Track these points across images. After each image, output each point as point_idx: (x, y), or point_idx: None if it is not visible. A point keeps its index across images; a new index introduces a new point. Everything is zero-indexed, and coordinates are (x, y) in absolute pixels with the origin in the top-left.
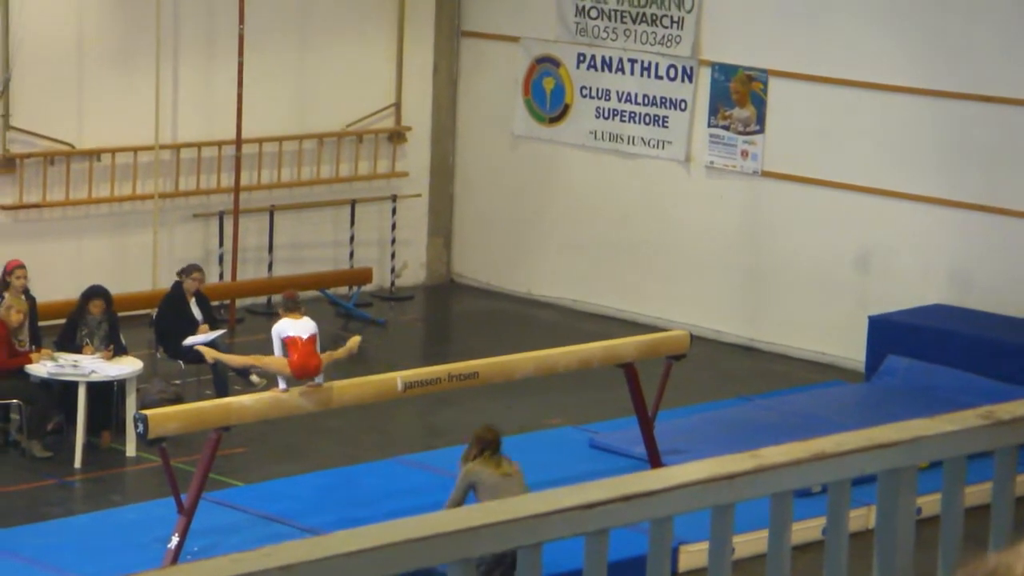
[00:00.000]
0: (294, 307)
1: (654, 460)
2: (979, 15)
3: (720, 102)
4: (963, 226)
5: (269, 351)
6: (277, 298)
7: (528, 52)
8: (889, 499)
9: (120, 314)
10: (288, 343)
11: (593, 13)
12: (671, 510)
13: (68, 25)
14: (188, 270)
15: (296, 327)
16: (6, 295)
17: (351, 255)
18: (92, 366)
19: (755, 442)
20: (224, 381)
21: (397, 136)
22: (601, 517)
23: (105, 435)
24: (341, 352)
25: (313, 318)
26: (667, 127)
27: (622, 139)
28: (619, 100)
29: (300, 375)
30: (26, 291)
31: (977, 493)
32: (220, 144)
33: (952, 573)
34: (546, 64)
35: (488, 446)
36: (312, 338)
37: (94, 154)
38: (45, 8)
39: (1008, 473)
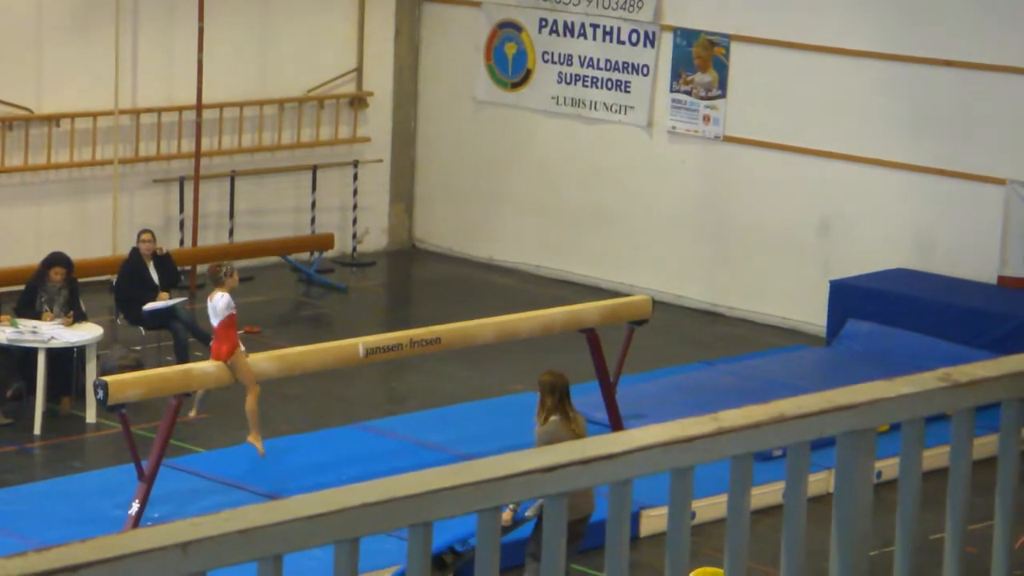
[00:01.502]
0: (212, 282)
1: (616, 425)
2: None
3: (682, 67)
4: (925, 190)
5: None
6: (236, 265)
7: (490, 17)
8: (848, 462)
9: (80, 280)
10: None
11: None
12: (630, 473)
13: None
14: (139, 234)
15: (209, 309)
16: None
17: (312, 221)
18: (52, 332)
19: (717, 407)
20: (185, 347)
21: (359, 101)
22: (560, 480)
23: (65, 401)
24: (243, 372)
25: (275, 284)
26: (629, 92)
27: (584, 104)
28: (581, 65)
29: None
30: None
31: (936, 456)
32: (180, 109)
33: None
34: (508, 29)
35: (564, 395)
36: (220, 324)
37: (53, 119)
38: None
39: (966, 436)
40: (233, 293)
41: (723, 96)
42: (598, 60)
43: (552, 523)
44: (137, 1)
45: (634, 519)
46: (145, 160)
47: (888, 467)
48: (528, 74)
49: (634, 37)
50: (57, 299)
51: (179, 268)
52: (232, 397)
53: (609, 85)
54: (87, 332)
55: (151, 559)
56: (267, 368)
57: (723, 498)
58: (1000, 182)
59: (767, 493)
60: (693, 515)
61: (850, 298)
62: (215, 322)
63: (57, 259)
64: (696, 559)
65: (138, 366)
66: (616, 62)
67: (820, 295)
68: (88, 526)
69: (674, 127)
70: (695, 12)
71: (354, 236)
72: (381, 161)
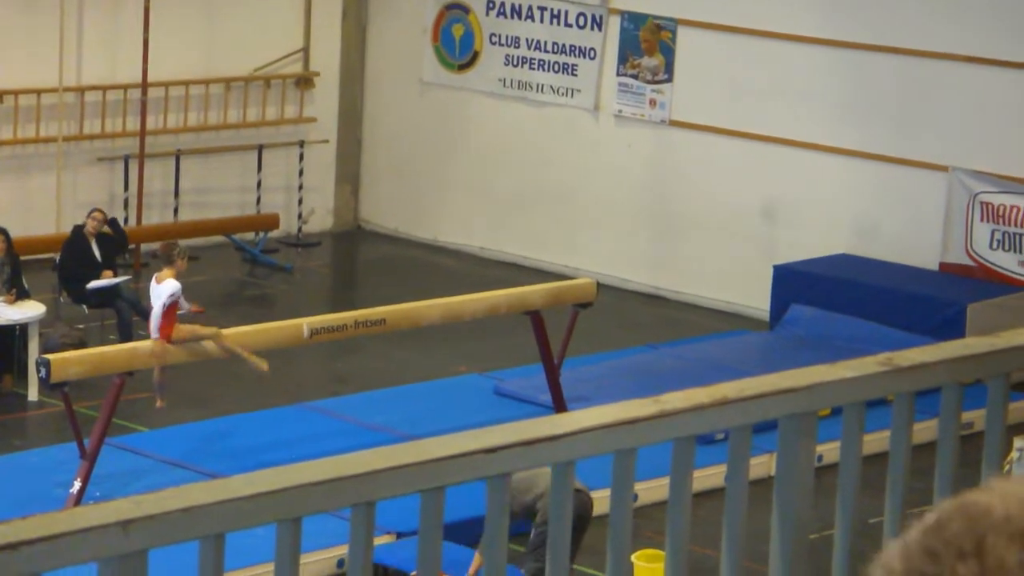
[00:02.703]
0: (164, 260)
1: (559, 407)
2: None
3: (629, 51)
4: (869, 177)
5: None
6: (182, 244)
7: None
8: (789, 445)
9: (23, 258)
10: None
11: None
12: (573, 454)
13: None
14: (90, 211)
15: (153, 294)
16: None
17: (258, 201)
18: None
19: (660, 390)
20: (128, 326)
21: (305, 81)
22: (503, 461)
23: (7, 379)
24: (204, 332)
25: (219, 264)
26: (576, 75)
27: (531, 87)
28: (528, 48)
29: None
30: None
31: (876, 441)
32: (125, 87)
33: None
34: (455, 10)
35: None
36: (163, 309)
37: None
38: None
39: (906, 420)
40: (180, 276)
41: (669, 80)
42: (545, 43)
43: (494, 504)
44: None
45: None
46: (89, 138)
47: (829, 451)
48: (475, 56)
49: (581, 20)
50: None
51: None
52: (174, 375)
53: (556, 68)
54: (30, 310)
55: (92, 537)
56: (211, 348)
57: (665, 480)
58: (943, 169)
59: (709, 476)
60: (635, 497)
61: (793, 283)
62: (156, 304)
63: None
64: (638, 541)
65: (81, 344)
66: (563, 45)
67: (763, 280)
68: (29, 504)
69: (620, 111)
70: None
71: (299, 216)
72: (327, 142)
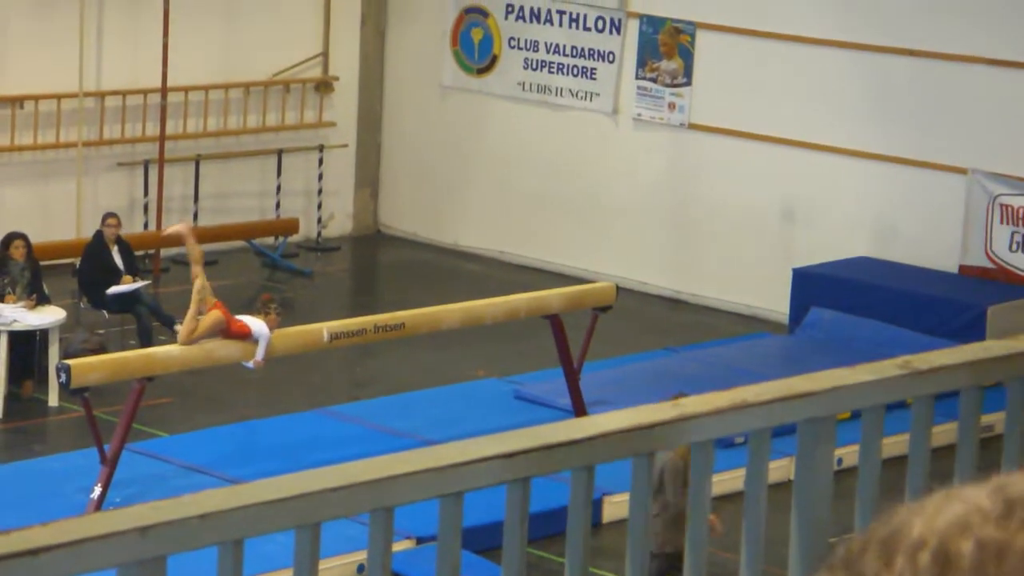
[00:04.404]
0: (258, 309)
1: (579, 411)
2: None
3: (648, 54)
4: (888, 179)
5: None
6: (201, 247)
7: (456, 2)
8: (808, 449)
9: (43, 263)
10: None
11: None
12: (592, 459)
13: None
14: (104, 217)
15: (250, 322)
16: None
17: (277, 205)
18: (14, 315)
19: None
20: (148, 331)
21: (324, 86)
22: (523, 466)
23: (27, 385)
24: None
25: (239, 269)
26: (595, 79)
27: (550, 91)
28: (547, 51)
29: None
30: None
31: (896, 444)
32: (145, 92)
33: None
34: (474, 15)
35: None
36: (238, 325)
37: (17, 101)
38: None
39: (925, 423)
40: (270, 326)
41: (688, 84)
42: (564, 47)
43: (513, 508)
44: None
45: (597, 505)
46: (109, 143)
47: (848, 454)
48: (494, 60)
49: (600, 24)
50: (20, 281)
51: (143, 251)
52: (193, 380)
53: (575, 72)
54: (50, 315)
55: (110, 543)
56: (231, 352)
57: None
58: (962, 171)
59: (728, 479)
60: None
61: (813, 286)
62: (261, 340)
63: (14, 234)
64: None
65: (101, 350)
66: (582, 49)
67: (783, 283)
68: (49, 510)
69: (639, 114)
70: (661, 0)
71: (319, 221)
72: (346, 146)
